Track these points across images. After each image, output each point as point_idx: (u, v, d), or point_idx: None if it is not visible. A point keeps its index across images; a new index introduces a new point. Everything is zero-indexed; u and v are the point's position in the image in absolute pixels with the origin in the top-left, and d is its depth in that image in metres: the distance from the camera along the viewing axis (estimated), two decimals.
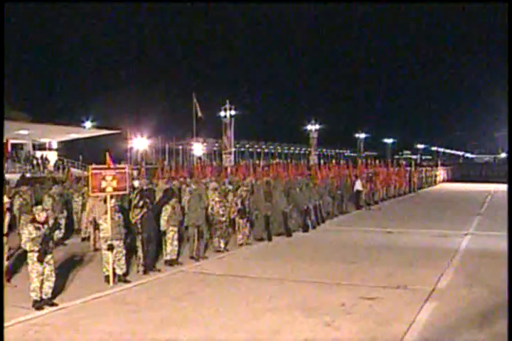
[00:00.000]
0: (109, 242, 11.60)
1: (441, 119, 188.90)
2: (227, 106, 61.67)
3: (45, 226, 9.95)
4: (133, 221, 12.56)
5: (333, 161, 34.40)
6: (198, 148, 76.99)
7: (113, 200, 11.99)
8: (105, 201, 12.13)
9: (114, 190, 11.87)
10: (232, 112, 61.93)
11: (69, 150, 64.33)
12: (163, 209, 13.46)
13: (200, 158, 76.96)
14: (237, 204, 16.35)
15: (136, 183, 15.40)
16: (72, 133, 58.67)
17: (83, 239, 17.24)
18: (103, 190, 11.74)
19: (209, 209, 15.34)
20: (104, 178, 11.66)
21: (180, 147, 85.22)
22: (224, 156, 63.49)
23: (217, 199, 15.46)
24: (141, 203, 12.66)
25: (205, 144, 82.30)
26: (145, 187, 15.86)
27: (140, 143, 67.06)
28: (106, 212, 11.86)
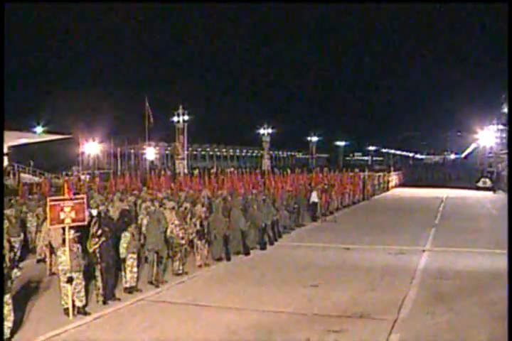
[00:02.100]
0: (68, 275, 11.30)
1: (392, 121, 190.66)
2: (180, 111, 61.25)
3: (3, 265, 9.64)
4: (91, 250, 12.27)
5: (288, 171, 34.20)
6: (150, 152, 76.43)
7: (72, 231, 11.67)
8: (63, 229, 11.84)
9: (73, 221, 11.60)
10: (186, 117, 61.56)
11: (20, 155, 62.98)
12: (123, 235, 13.18)
13: (152, 162, 76.44)
14: (195, 225, 16.19)
15: (94, 212, 15.02)
16: (23, 138, 57.52)
17: (38, 261, 16.85)
18: (62, 222, 11.47)
19: (168, 232, 15.09)
20: (62, 209, 11.40)
21: (132, 151, 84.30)
22: (177, 161, 63.08)
23: (176, 222, 15.21)
24: (99, 232, 12.37)
25: (157, 148, 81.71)
26: (101, 209, 15.54)
27: (92, 147, 66.24)
28: (64, 243, 11.55)
